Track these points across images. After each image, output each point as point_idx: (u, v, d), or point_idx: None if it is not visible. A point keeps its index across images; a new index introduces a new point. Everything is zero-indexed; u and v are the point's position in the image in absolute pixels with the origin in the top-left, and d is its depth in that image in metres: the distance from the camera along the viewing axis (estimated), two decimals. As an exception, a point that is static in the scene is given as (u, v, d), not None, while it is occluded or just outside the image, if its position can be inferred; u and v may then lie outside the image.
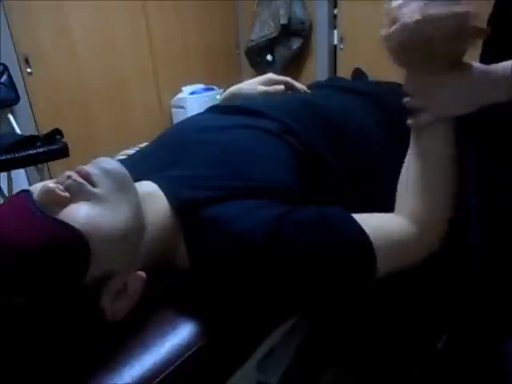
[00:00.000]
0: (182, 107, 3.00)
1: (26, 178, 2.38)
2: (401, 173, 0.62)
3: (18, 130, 2.21)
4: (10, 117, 2.23)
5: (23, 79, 2.33)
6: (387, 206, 0.62)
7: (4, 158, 1.67)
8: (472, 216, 0.65)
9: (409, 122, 0.60)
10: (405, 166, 0.62)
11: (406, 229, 0.57)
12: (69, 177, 0.48)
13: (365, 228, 0.53)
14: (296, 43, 3.01)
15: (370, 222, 0.55)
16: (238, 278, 0.52)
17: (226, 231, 0.51)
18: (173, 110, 3.11)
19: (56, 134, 1.87)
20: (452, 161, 0.59)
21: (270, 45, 3.04)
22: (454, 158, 0.59)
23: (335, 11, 2.92)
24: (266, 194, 0.56)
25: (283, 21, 2.89)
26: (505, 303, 0.65)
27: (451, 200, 0.59)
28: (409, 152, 0.62)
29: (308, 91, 0.86)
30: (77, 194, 0.47)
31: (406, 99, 0.59)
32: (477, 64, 0.54)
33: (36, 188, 0.48)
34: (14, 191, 2.12)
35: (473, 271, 0.67)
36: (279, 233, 0.50)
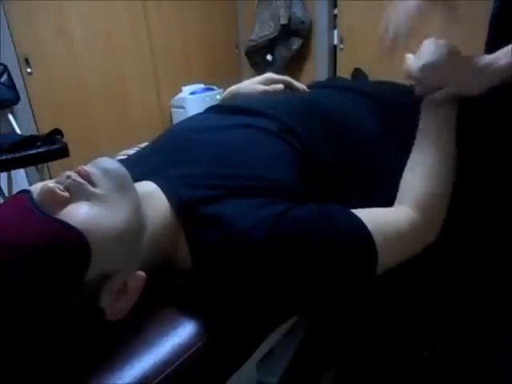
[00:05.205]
0: (181, 107, 2.99)
1: (25, 178, 2.38)
2: (410, 157, 0.67)
3: (18, 130, 2.20)
4: (10, 117, 2.22)
5: (23, 79, 2.33)
6: (386, 203, 0.62)
7: (4, 157, 1.67)
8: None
9: (416, 91, 0.67)
10: (413, 149, 0.67)
11: (406, 216, 0.59)
12: (68, 177, 0.48)
13: (365, 222, 0.53)
14: (296, 43, 3.01)
15: (370, 216, 0.55)
16: (239, 277, 0.52)
17: (226, 230, 0.51)
18: (173, 109, 3.10)
19: (56, 133, 1.87)
20: (454, 148, 0.65)
21: (270, 45, 3.04)
22: (455, 146, 0.65)
23: (335, 11, 2.92)
24: (265, 194, 0.56)
25: (283, 21, 2.88)
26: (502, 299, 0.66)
27: (450, 189, 0.63)
28: (417, 134, 0.67)
29: (307, 90, 0.85)
30: (76, 193, 0.47)
31: (415, 84, 0.66)
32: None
33: (36, 188, 0.48)
34: (14, 191, 2.12)
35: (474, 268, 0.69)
36: (279, 231, 0.50)
